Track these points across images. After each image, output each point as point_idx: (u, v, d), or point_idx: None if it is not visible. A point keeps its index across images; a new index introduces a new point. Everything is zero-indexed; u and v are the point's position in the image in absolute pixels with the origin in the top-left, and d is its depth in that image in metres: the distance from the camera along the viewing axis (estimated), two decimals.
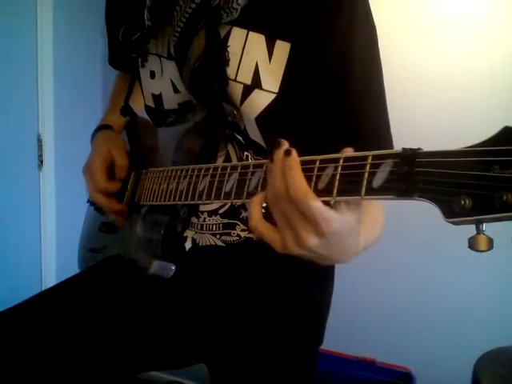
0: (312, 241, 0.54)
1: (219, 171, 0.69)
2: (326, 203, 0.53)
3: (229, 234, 0.92)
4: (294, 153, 0.54)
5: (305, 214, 0.53)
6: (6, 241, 1.76)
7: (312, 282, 0.95)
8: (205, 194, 0.71)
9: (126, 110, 1.03)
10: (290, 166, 0.53)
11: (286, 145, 0.55)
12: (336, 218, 0.53)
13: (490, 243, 0.41)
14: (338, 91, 0.79)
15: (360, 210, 0.55)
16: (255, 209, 0.58)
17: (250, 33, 0.81)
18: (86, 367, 0.86)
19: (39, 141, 1.86)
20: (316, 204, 0.52)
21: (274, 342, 0.90)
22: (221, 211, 0.92)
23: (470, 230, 0.43)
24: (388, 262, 1.57)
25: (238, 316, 0.92)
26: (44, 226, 1.91)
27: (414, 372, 1.53)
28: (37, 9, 1.81)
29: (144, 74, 0.97)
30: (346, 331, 1.56)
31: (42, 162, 1.88)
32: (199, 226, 0.94)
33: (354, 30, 0.78)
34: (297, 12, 0.79)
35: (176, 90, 0.92)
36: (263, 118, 0.82)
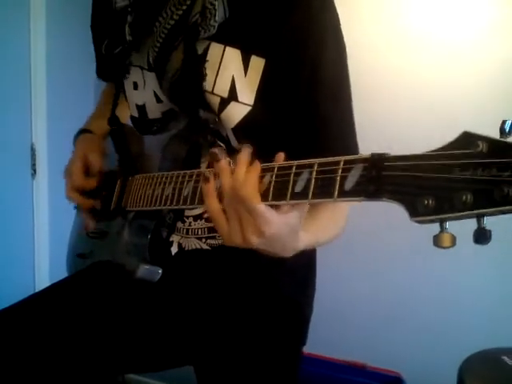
0: (254, 239, 0.63)
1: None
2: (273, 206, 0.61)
3: (214, 238, 0.95)
4: (258, 163, 0.62)
5: (251, 214, 0.61)
6: (0, 249, 1.77)
7: (293, 284, 0.99)
8: (189, 199, 0.74)
9: (113, 121, 1.05)
10: (251, 176, 0.61)
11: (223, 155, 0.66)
12: (276, 221, 0.61)
13: (454, 240, 0.44)
14: (309, 105, 0.83)
15: (302, 210, 0.63)
16: (211, 200, 0.66)
17: (227, 48, 0.85)
18: (74, 369, 0.88)
19: (32, 150, 1.87)
20: (260, 207, 0.60)
21: (257, 344, 0.92)
22: (206, 215, 0.94)
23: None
24: (379, 266, 1.59)
25: (222, 318, 0.94)
26: (37, 234, 1.91)
27: (404, 376, 1.54)
28: (30, 18, 1.81)
29: (127, 85, 1.00)
30: (337, 335, 1.57)
31: (35, 171, 1.89)
32: (185, 230, 0.96)
33: (324, 46, 0.82)
34: (270, 30, 0.82)
35: (159, 100, 0.94)
36: (240, 129, 0.86)
